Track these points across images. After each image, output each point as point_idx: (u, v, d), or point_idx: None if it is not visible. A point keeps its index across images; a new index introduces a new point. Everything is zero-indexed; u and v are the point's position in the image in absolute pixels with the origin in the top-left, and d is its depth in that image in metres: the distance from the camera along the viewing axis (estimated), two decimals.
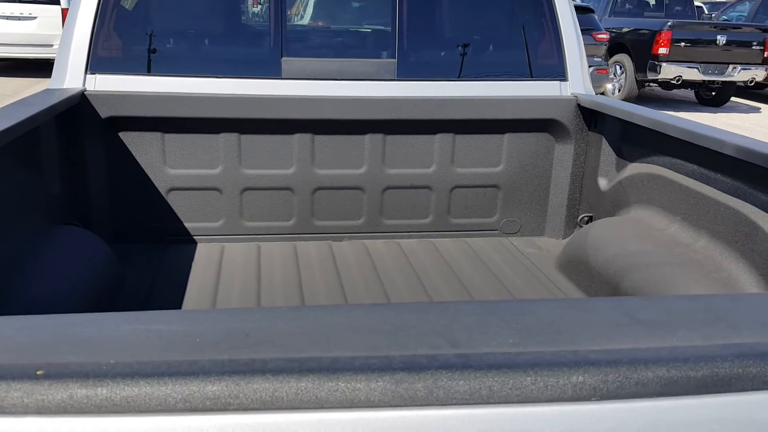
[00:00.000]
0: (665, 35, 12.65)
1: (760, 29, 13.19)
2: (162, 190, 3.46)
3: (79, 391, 0.93)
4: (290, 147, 3.51)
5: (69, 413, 0.93)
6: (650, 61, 12.83)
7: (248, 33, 3.66)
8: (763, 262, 2.39)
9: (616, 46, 13.57)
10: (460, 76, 3.65)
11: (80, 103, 3.23)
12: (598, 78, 12.07)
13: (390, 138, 3.58)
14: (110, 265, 3.01)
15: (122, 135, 3.36)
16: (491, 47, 3.75)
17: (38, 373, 0.94)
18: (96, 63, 3.35)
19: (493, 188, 3.75)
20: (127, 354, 0.99)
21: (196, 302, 2.96)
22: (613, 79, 13.70)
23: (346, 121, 3.48)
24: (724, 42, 12.82)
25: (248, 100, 3.36)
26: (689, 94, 15.18)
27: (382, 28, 3.76)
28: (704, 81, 13.07)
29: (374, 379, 0.97)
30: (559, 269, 3.41)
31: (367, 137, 3.56)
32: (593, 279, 3.07)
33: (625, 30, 13.76)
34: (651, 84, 13.48)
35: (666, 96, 15.24)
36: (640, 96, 13.87)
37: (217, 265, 3.33)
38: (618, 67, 13.64)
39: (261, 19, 3.72)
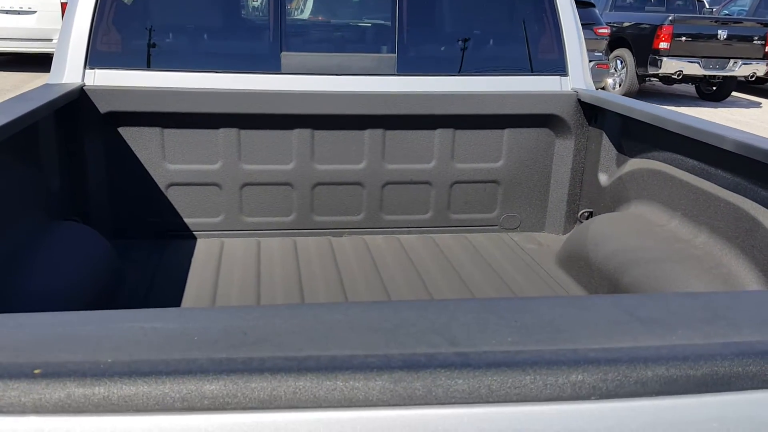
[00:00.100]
0: (666, 30, 12.62)
1: (761, 24, 13.16)
2: (161, 186, 3.46)
3: (76, 390, 0.92)
4: (290, 142, 3.50)
5: (67, 413, 0.93)
6: (651, 55, 12.80)
7: (248, 28, 3.65)
8: (764, 258, 2.39)
9: (616, 40, 13.54)
10: (460, 71, 3.64)
11: (79, 98, 3.22)
12: (598, 72, 12.05)
13: (390, 133, 3.57)
14: (110, 261, 3.00)
15: (121, 130, 3.36)
16: (491, 42, 3.74)
17: (35, 372, 0.93)
18: (95, 58, 3.34)
19: (493, 184, 3.75)
20: (124, 352, 0.99)
21: (195, 298, 2.96)
22: (613, 73, 13.68)
23: (345, 116, 3.47)
24: (725, 37, 12.79)
25: (248, 95, 3.35)
26: (690, 88, 15.16)
27: (382, 22, 3.75)
28: (705, 76, 13.05)
29: (373, 378, 0.97)
30: (559, 265, 3.40)
31: (367, 132, 3.55)
32: (593, 275, 3.06)
33: (625, 24, 13.73)
34: (652, 79, 13.46)
35: (667, 91, 15.22)
36: (641, 91, 13.85)
37: (216, 261, 3.32)
38: (619, 61, 13.62)
39: (260, 14, 3.71)
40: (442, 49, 3.66)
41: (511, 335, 1.08)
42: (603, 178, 3.55)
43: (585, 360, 1.01)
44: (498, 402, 0.98)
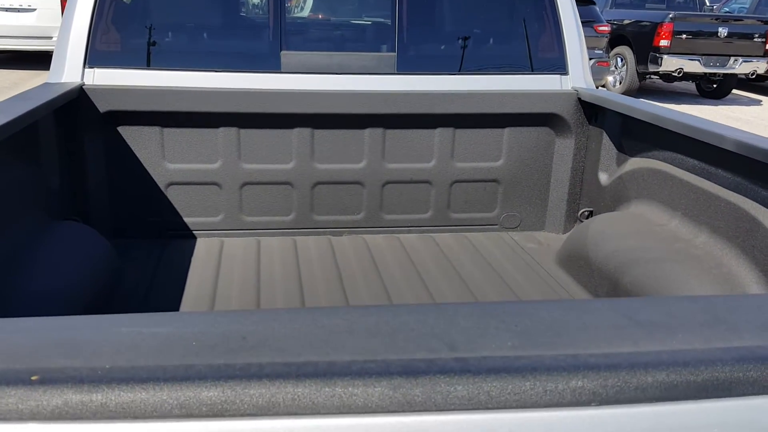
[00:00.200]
0: (667, 27, 12.60)
1: (762, 21, 13.14)
2: (161, 185, 3.45)
3: (74, 396, 0.92)
4: (290, 141, 3.50)
5: (64, 419, 0.92)
6: (651, 53, 12.79)
7: (247, 26, 3.65)
8: (764, 258, 2.38)
9: (617, 38, 13.52)
10: (460, 69, 3.63)
11: (79, 97, 3.22)
12: (599, 70, 12.04)
13: (390, 132, 3.57)
14: (110, 260, 3.00)
15: (121, 129, 3.35)
16: (491, 41, 3.74)
17: (33, 378, 0.93)
18: (94, 57, 3.33)
19: (493, 183, 3.74)
20: (122, 358, 0.98)
21: (195, 297, 2.96)
22: (614, 71, 13.66)
23: (345, 115, 3.47)
24: (725, 34, 12.77)
25: (247, 95, 3.35)
26: (690, 86, 15.14)
27: (382, 21, 3.74)
28: (705, 73, 13.03)
29: (372, 385, 0.96)
30: (559, 264, 3.40)
31: (367, 131, 3.55)
32: (593, 274, 3.06)
33: (626, 22, 13.72)
34: (652, 76, 13.43)
35: (667, 88, 15.20)
36: (641, 88, 13.84)
37: (216, 260, 3.32)
38: (619, 59, 13.60)
39: (260, 11, 3.71)
40: (442, 47, 3.66)
41: (510, 340, 1.08)
42: (603, 178, 3.55)
43: (585, 366, 1.01)
44: (497, 408, 0.98)
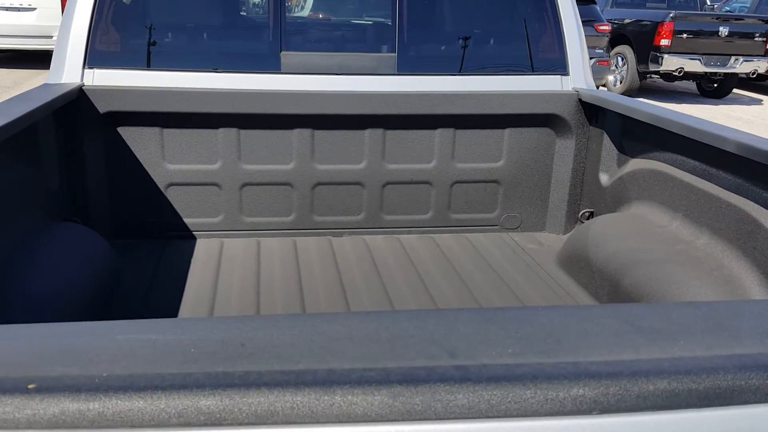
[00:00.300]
0: (667, 26, 12.59)
1: (763, 20, 13.13)
2: (161, 186, 3.45)
3: (71, 405, 0.91)
4: (290, 142, 3.49)
5: (61, 428, 0.92)
6: (652, 52, 12.78)
7: (247, 27, 3.64)
8: (765, 260, 2.38)
9: (618, 37, 13.51)
10: (460, 70, 3.62)
11: (78, 98, 3.21)
12: (599, 69, 12.04)
13: (390, 133, 3.56)
14: (109, 261, 3.00)
15: (121, 130, 3.34)
16: (492, 41, 3.73)
17: (30, 386, 0.92)
18: (94, 57, 3.32)
19: (493, 183, 3.73)
20: (119, 366, 0.97)
21: (195, 299, 2.95)
22: (614, 70, 13.65)
23: (345, 116, 3.46)
24: (726, 33, 12.76)
25: (247, 95, 3.34)
26: (691, 85, 15.12)
27: (383, 21, 3.74)
28: (706, 72, 13.02)
29: (371, 393, 0.96)
30: (559, 265, 3.39)
31: (367, 132, 3.54)
32: (594, 275, 3.05)
33: (627, 21, 13.70)
34: (653, 75, 13.42)
35: (668, 87, 15.19)
36: (642, 88, 13.83)
37: (216, 261, 3.32)
38: (620, 58, 13.59)
39: (260, 10, 3.70)
40: (443, 48, 3.65)
41: (511, 347, 1.07)
42: (604, 178, 3.54)
43: (586, 373, 1.00)
44: (498, 417, 0.97)
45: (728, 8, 17.06)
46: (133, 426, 0.92)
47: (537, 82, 3.67)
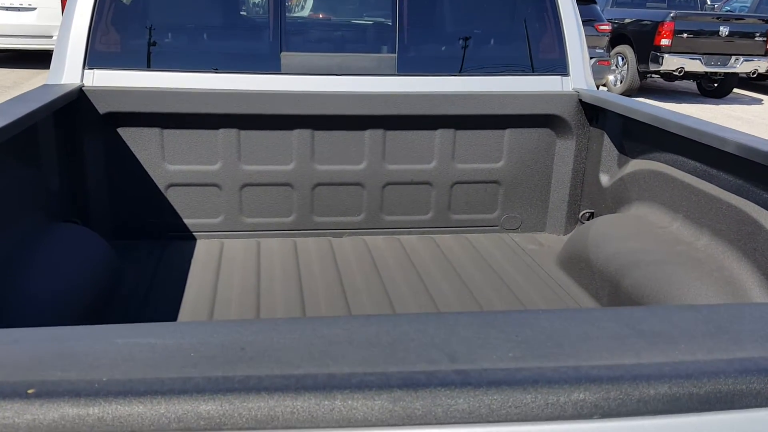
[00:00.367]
0: (668, 26, 12.59)
1: (763, 20, 13.12)
2: (161, 187, 3.45)
3: (70, 410, 0.91)
4: (290, 143, 3.49)
5: None
6: (652, 52, 12.77)
7: (247, 27, 3.64)
8: (766, 262, 2.38)
9: (618, 37, 13.50)
10: (461, 71, 3.62)
11: (78, 98, 3.21)
12: (600, 69, 12.03)
13: (390, 133, 3.56)
14: (109, 262, 2.99)
15: (121, 131, 3.34)
16: (492, 42, 3.73)
17: (29, 391, 0.92)
18: (94, 58, 3.32)
19: (493, 184, 3.73)
20: (119, 371, 0.97)
21: (195, 299, 2.95)
22: (615, 70, 13.65)
23: (345, 116, 3.46)
24: (726, 33, 12.76)
25: (247, 96, 3.34)
26: (691, 85, 15.12)
27: (383, 21, 3.73)
28: (706, 72, 13.02)
29: (372, 397, 0.95)
30: (559, 266, 3.39)
31: (367, 133, 3.54)
32: (594, 276, 3.05)
33: (627, 21, 13.70)
34: (653, 75, 13.42)
35: (668, 87, 15.19)
36: (642, 87, 13.82)
37: (216, 262, 3.31)
38: (620, 58, 13.58)
39: (260, 10, 3.70)
40: (443, 49, 3.65)
41: (512, 351, 1.07)
42: (604, 179, 3.54)
43: (587, 378, 1.00)
44: (499, 421, 0.97)
45: (728, 8, 17.05)
46: (132, 431, 0.92)
47: (537, 82, 3.67)
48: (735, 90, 14.53)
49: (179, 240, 3.54)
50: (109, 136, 3.33)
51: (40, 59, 14.08)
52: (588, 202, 3.71)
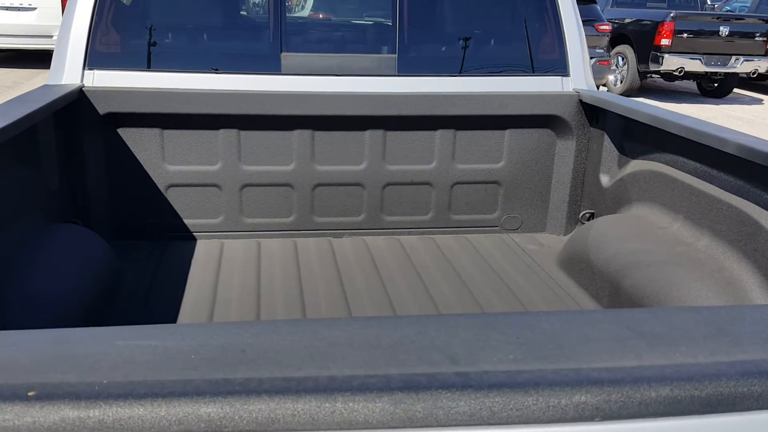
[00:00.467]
0: (668, 26, 12.59)
1: (763, 20, 13.12)
2: (161, 187, 3.44)
3: (71, 413, 0.91)
4: (290, 143, 3.49)
5: None
6: (652, 52, 12.77)
7: (247, 28, 3.64)
8: (766, 263, 2.37)
9: (618, 37, 13.50)
10: (461, 71, 3.62)
11: (78, 99, 3.21)
12: (600, 69, 12.03)
13: (390, 134, 3.56)
14: (109, 263, 2.99)
15: (121, 131, 3.34)
16: (492, 42, 3.73)
17: (29, 394, 0.92)
18: (94, 58, 3.32)
19: (494, 184, 3.73)
20: (120, 373, 0.97)
21: (195, 300, 2.95)
22: (615, 70, 13.64)
23: (346, 117, 3.46)
24: (726, 33, 12.75)
25: (247, 96, 3.34)
26: (691, 85, 15.12)
27: (383, 21, 3.73)
28: (707, 72, 13.02)
29: (373, 400, 0.95)
30: (560, 266, 3.39)
31: (368, 133, 3.54)
32: (594, 276, 3.05)
33: (627, 21, 13.70)
34: (653, 75, 13.41)
35: (668, 87, 15.18)
36: (642, 87, 13.82)
37: (216, 262, 3.31)
38: (620, 58, 13.58)
39: (260, 10, 3.70)
40: (443, 49, 3.64)
41: (512, 353, 1.07)
42: (604, 180, 3.54)
43: (588, 380, 1.00)
44: (500, 424, 0.97)
45: (728, 8, 17.05)
46: None
47: (537, 83, 3.67)
48: (735, 90, 14.53)
49: (179, 240, 3.53)
50: (109, 137, 3.33)
51: (40, 59, 14.09)
52: (588, 202, 3.71)
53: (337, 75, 3.50)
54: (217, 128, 3.41)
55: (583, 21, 3.82)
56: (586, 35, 3.78)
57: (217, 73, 3.40)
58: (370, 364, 1.02)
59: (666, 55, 12.63)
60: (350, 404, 0.95)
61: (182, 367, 0.99)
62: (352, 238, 3.68)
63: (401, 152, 3.59)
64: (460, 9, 3.68)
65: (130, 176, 3.40)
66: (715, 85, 14.04)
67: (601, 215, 3.53)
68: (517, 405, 0.97)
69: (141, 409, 0.92)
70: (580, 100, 3.61)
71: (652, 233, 2.95)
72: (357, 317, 1.16)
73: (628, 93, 13.03)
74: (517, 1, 3.71)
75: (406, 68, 3.57)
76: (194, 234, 3.56)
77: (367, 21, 3.82)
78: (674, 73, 12.79)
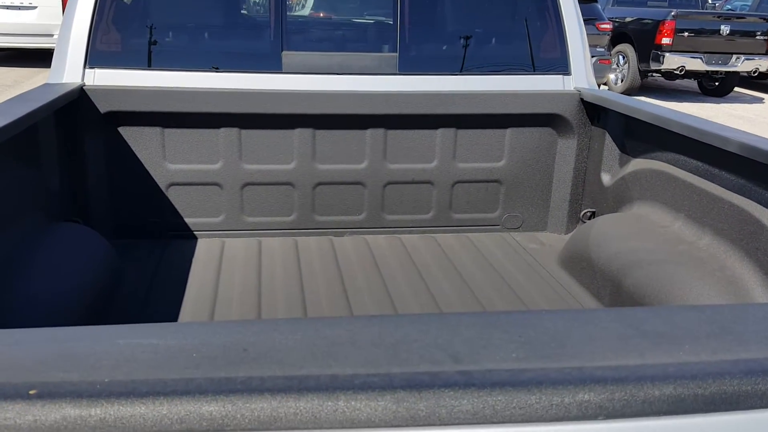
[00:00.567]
0: (668, 25, 12.58)
1: (764, 19, 13.11)
2: (162, 186, 3.44)
3: (72, 411, 0.91)
4: (291, 142, 3.48)
5: None
6: (653, 51, 12.76)
7: (248, 26, 3.63)
8: None
9: (619, 35, 13.49)
10: (462, 70, 3.62)
11: (79, 98, 3.21)
12: (600, 68, 12.02)
13: (391, 133, 3.55)
14: (110, 262, 2.99)
15: (122, 130, 3.34)
16: (493, 41, 3.72)
17: (31, 392, 0.92)
18: (95, 57, 3.32)
19: (495, 183, 3.73)
20: (121, 371, 0.97)
21: (196, 299, 2.94)
22: (615, 69, 13.63)
23: (347, 115, 3.45)
24: (727, 32, 12.74)
25: (248, 95, 3.34)
26: (692, 84, 15.11)
27: (384, 20, 3.73)
28: (707, 71, 13.00)
29: (375, 398, 0.95)
30: (561, 265, 3.39)
31: (369, 132, 3.53)
32: (595, 275, 3.05)
33: (628, 19, 13.69)
34: (654, 74, 13.40)
35: (669, 86, 15.18)
36: (643, 86, 13.81)
37: (217, 261, 3.31)
38: (621, 57, 13.57)
39: (261, 9, 3.69)
40: (444, 48, 3.64)
41: (515, 351, 1.06)
42: (606, 178, 3.53)
43: (591, 378, 0.99)
44: (503, 422, 0.96)
45: (729, 7, 17.04)
46: None
47: (539, 81, 3.66)
48: (736, 89, 14.52)
49: (180, 239, 3.53)
50: (110, 136, 3.33)
51: (40, 58, 14.09)
52: (589, 201, 3.70)
53: (338, 74, 3.50)
54: (218, 127, 3.41)
55: (583, 20, 3.82)
56: (586, 34, 3.78)
57: (217, 71, 3.40)
58: (373, 362, 1.01)
59: (667, 54, 12.62)
60: (352, 403, 0.94)
61: (184, 365, 0.99)
62: (353, 237, 3.67)
63: (402, 151, 3.59)
64: (461, 7, 3.67)
65: (131, 175, 3.40)
66: (716, 83, 14.03)
67: (602, 214, 3.53)
68: (521, 403, 0.97)
69: (143, 408, 0.92)
70: (582, 99, 3.60)
71: (653, 232, 2.95)
72: (359, 316, 1.16)
73: (628, 92, 13.02)
74: (519, 0, 3.71)
75: (407, 67, 3.56)
76: (195, 233, 3.56)
77: (368, 20, 3.82)
78: (675, 71, 12.79)
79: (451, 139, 3.60)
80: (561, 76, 3.68)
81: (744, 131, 2.67)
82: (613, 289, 2.89)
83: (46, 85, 3.19)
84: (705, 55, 12.74)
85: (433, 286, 3.12)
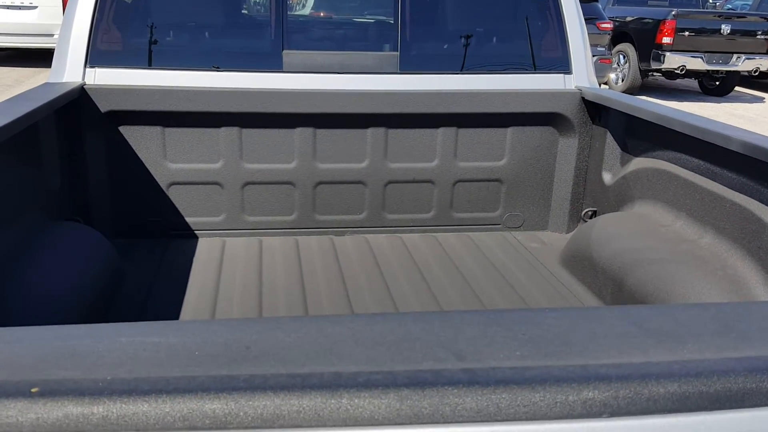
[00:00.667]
0: (669, 24, 12.57)
1: (765, 18, 13.10)
2: (163, 185, 3.44)
3: (74, 409, 0.90)
4: (292, 141, 3.48)
5: None
6: (654, 50, 12.75)
7: (249, 25, 3.63)
8: None
9: (619, 35, 13.49)
10: (463, 69, 3.61)
11: (80, 97, 3.20)
12: (601, 68, 12.02)
13: (392, 132, 3.55)
14: (111, 261, 2.98)
15: (122, 129, 3.33)
16: (495, 40, 3.72)
17: (33, 390, 0.91)
18: (95, 56, 3.32)
19: (496, 182, 3.72)
20: (124, 369, 0.96)
21: (197, 298, 2.94)
22: (616, 68, 13.63)
23: (347, 114, 3.45)
24: (728, 31, 12.73)
25: (249, 94, 3.33)
26: (693, 83, 15.11)
27: (385, 19, 3.72)
28: (708, 70, 12.99)
29: (378, 396, 0.94)
30: (562, 264, 3.38)
31: (369, 131, 3.53)
32: (597, 274, 3.04)
33: (628, 19, 13.68)
34: (655, 73, 13.40)
35: (670, 86, 15.17)
36: (644, 86, 13.81)
37: (218, 261, 3.31)
38: (621, 56, 13.57)
39: (262, 8, 3.69)
40: (445, 47, 3.64)
41: (519, 349, 1.06)
42: (607, 177, 3.53)
43: (595, 376, 0.99)
44: (507, 420, 0.96)
45: (730, 6, 17.03)
46: (137, 430, 0.91)
47: (540, 80, 3.66)
48: (737, 88, 14.52)
49: (181, 238, 3.53)
50: (111, 135, 3.33)
51: (41, 58, 14.09)
52: (591, 200, 3.70)
53: (338, 73, 3.49)
54: (219, 126, 3.40)
55: (584, 19, 3.81)
56: (587, 34, 3.77)
57: (218, 70, 3.40)
58: (375, 360, 1.01)
59: (667, 53, 12.61)
60: (356, 401, 0.94)
61: (186, 363, 0.98)
62: (354, 236, 3.67)
63: (403, 150, 3.58)
64: (462, 6, 3.67)
65: (132, 174, 3.40)
66: (717, 83, 14.03)
67: (603, 213, 3.53)
68: (525, 401, 0.96)
69: (145, 406, 0.91)
70: (583, 98, 3.60)
71: (654, 231, 2.94)
72: (361, 314, 1.16)
73: (629, 91, 13.02)
74: None
75: (408, 66, 3.56)
76: (196, 232, 3.55)
77: (368, 19, 3.81)
78: (676, 71, 12.78)
79: (452, 138, 3.60)
80: (562, 75, 3.68)
81: (746, 130, 2.67)
82: (614, 288, 2.89)
83: (47, 84, 3.18)
84: (706, 54, 12.73)
85: (434, 285, 3.12)
